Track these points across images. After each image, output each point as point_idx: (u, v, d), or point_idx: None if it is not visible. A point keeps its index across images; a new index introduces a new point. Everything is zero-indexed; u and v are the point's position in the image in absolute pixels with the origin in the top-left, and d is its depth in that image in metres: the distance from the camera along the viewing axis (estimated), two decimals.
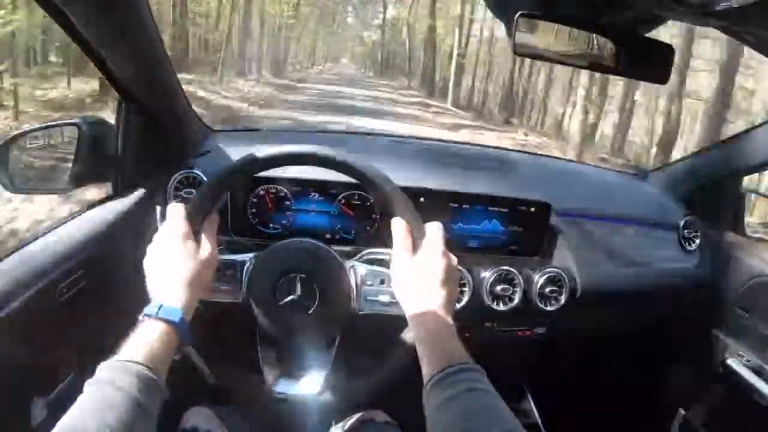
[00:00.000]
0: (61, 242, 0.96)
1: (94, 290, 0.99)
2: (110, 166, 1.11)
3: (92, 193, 1.15)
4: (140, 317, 0.69)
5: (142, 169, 1.14)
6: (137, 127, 1.10)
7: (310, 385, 0.91)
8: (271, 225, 1.15)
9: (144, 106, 1.07)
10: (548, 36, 0.77)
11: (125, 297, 0.88)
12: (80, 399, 0.58)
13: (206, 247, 0.79)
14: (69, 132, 1.10)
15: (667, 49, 0.80)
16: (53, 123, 1.18)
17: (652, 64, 0.81)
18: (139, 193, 1.12)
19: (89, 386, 0.60)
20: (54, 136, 1.18)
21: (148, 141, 1.12)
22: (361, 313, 0.93)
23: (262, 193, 1.13)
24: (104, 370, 0.61)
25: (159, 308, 0.69)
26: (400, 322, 0.80)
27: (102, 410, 0.56)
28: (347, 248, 1.10)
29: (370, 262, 0.99)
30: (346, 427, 1.03)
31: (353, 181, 0.85)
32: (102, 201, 1.10)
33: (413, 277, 0.79)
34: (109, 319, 1.00)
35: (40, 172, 1.19)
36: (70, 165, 1.08)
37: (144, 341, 0.66)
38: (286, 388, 0.91)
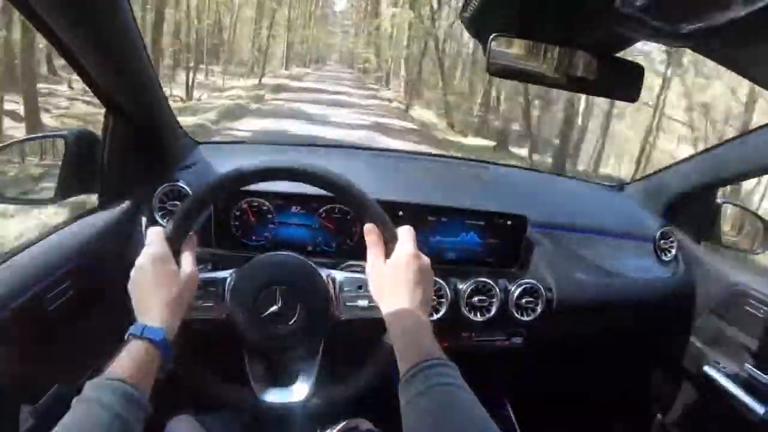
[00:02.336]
0: (48, 253, 0.97)
1: (80, 300, 1.00)
2: (96, 177, 1.13)
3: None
4: (126, 336, 0.72)
5: (128, 181, 1.15)
6: (122, 139, 1.11)
7: (297, 393, 0.93)
8: (254, 237, 1.17)
9: (129, 118, 1.08)
10: (522, 56, 0.79)
11: (111, 307, 0.90)
12: (66, 416, 0.61)
13: (186, 267, 0.81)
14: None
15: (637, 69, 0.83)
16: (40, 135, 1.19)
17: (622, 83, 0.84)
18: (125, 205, 1.13)
19: (76, 404, 0.62)
20: (43, 149, 1.20)
21: (134, 153, 1.14)
22: (341, 319, 0.95)
23: (244, 206, 1.15)
24: (90, 388, 0.64)
25: (143, 329, 0.72)
26: (381, 325, 0.82)
27: (87, 427, 0.59)
28: (328, 260, 1.12)
29: (349, 271, 1.02)
30: None
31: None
32: (88, 212, 1.12)
33: (388, 279, 0.82)
34: (96, 328, 1.01)
35: (27, 183, 1.20)
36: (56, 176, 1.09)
37: (128, 360, 0.68)
38: (273, 397, 0.92)
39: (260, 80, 21.34)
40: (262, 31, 25.35)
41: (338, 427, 1.04)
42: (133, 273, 0.79)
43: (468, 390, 0.68)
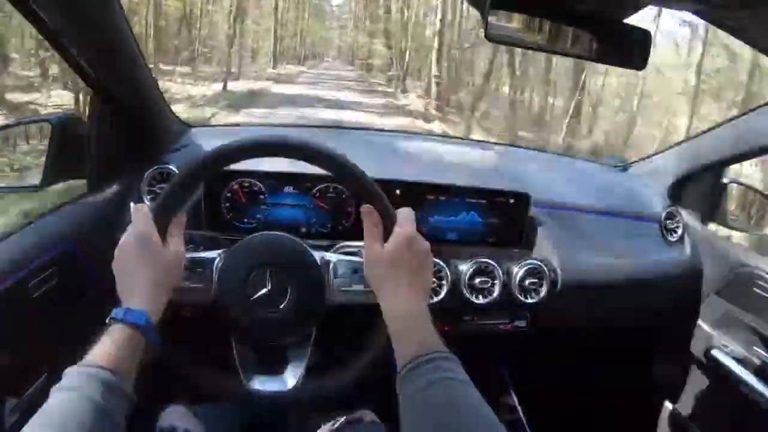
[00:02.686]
0: (33, 239, 0.95)
1: (67, 288, 0.98)
2: (84, 162, 1.10)
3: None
4: (107, 320, 0.68)
5: (116, 166, 1.12)
6: (110, 123, 1.09)
7: (286, 382, 0.90)
8: (246, 220, 1.14)
9: (116, 101, 1.05)
10: (522, 22, 0.76)
11: (99, 295, 0.87)
12: (44, 406, 0.58)
13: (172, 247, 0.78)
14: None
15: (644, 34, 0.80)
16: (25, 120, 1.16)
17: (628, 49, 0.81)
18: (113, 189, 1.11)
19: (54, 392, 0.59)
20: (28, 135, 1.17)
21: (121, 137, 1.11)
22: (335, 304, 0.91)
23: (236, 187, 1.12)
24: (68, 376, 0.61)
25: (125, 312, 0.68)
26: (377, 312, 0.78)
27: (64, 418, 0.56)
28: (324, 242, 1.08)
29: (344, 253, 0.98)
30: (334, 428, 1.01)
31: (328, 173, 0.84)
32: (76, 198, 1.09)
33: (384, 264, 0.78)
34: (83, 317, 0.98)
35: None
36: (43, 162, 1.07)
37: (110, 345, 0.65)
38: (262, 385, 0.88)
39: (225, 86, 14.84)
40: (244, 25, 21.57)
41: (342, 420, 1.02)
42: (116, 252, 0.75)
43: (470, 384, 0.64)
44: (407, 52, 23.11)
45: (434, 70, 16.03)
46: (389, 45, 27.35)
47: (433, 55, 16.13)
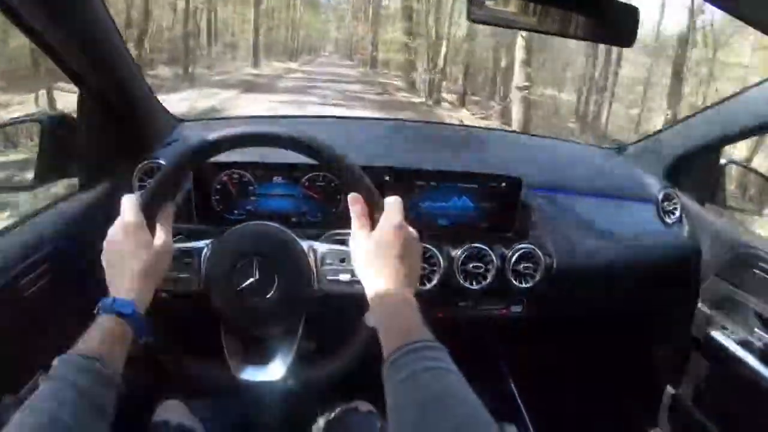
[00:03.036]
0: (25, 237, 0.95)
1: (59, 285, 0.98)
2: (74, 160, 1.10)
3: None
4: (95, 310, 0.69)
5: (107, 163, 1.13)
6: (98, 120, 1.09)
7: (274, 371, 0.90)
8: (236, 211, 1.14)
9: (104, 98, 1.05)
10: (507, 2, 0.75)
11: (92, 291, 0.86)
12: (34, 395, 0.59)
13: (160, 236, 0.78)
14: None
15: (633, 11, 0.79)
16: (14, 120, 1.16)
17: (617, 27, 0.80)
18: (104, 186, 1.11)
19: (43, 382, 0.60)
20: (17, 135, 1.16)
21: (111, 134, 1.11)
22: (322, 293, 0.91)
23: (225, 178, 1.12)
24: (57, 365, 0.61)
25: (112, 302, 0.70)
26: (365, 301, 0.78)
27: (54, 406, 0.57)
28: (314, 231, 1.08)
29: (333, 241, 0.97)
30: (330, 418, 1.02)
31: (316, 162, 0.83)
32: (68, 195, 1.09)
33: (371, 253, 0.77)
34: (76, 314, 0.98)
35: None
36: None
37: (97, 335, 0.66)
38: (250, 375, 0.89)
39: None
40: (212, 14, 17.66)
41: (338, 410, 1.02)
42: (105, 243, 0.76)
43: (457, 372, 0.63)
44: (445, 43, 15.87)
45: (518, 77, 10.17)
46: (411, 32, 19.66)
47: (519, 53, 10.05)
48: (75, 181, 1.13)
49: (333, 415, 1.02)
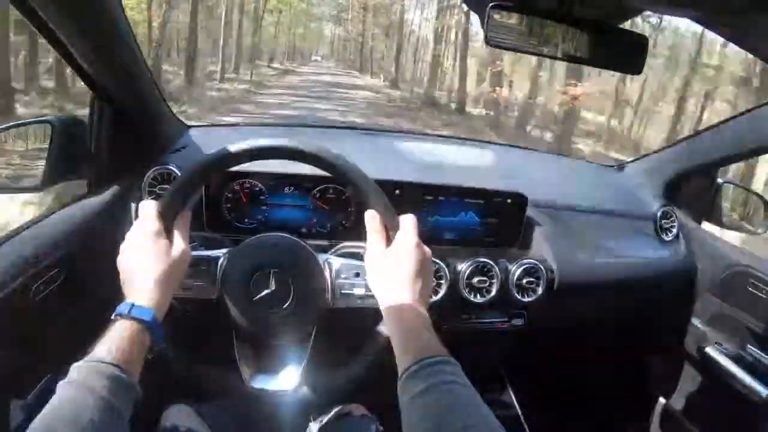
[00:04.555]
0: (36, 241, 0.95)
1: (70, 289, 0.98)
2: (84, 163, 1.10)
3: None
4: (113, 316, 0.69)
5: (117, 167, 1.13)
6: (110, 124, 1.09)
7: (286, 380, 0.91)
8: (246, 220, 1.14)
9: (116, 102, 1.06)
10: (521, 27, 0.77)
11: (102, 295, 0.87)
12: (52, 400, 0.59)
13: (178, 244, 0.79)
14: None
15: (641, 39, 0.81)
16: (25, 121, 1.16)
17: (625, 54, 0.82)
18: (114, 190, 1.11)
19: (61, 387, 0.60)
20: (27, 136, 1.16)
21: (122, 138, 1.11)
22: (336, 307, 0.92)
23: (236, 187, 1.12)
24: (76, 371, 0.61)
25: (131, 307, 0.69)
26: (376, 315, 0.80)
27: (73, 412, 0.57)
28: (323, 242, 1.09)
29: (345, 255, 0.99)
30: (324, 422, 1.03)
31: (328, 174, 0.85)
32: (77, 199, 1.09)
33: (387, 269, 0.79)
34: (87, 317, 0.98)
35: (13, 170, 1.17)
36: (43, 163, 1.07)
37: (115, 341, 0.66)
38: (262, 383, 0.90)
39: None
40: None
41: (332, 414, 1.03)
42: (122, 247, 0.77)
43: (470, 387, 0.65)
44: None
45: None
46: None
47: None
48: (82, 182, 1.14)
49: (327, 419, 1.03)
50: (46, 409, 0.58)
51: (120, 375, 0.62)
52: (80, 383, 0.60)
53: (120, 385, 0.61)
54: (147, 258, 0.75)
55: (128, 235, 0.77)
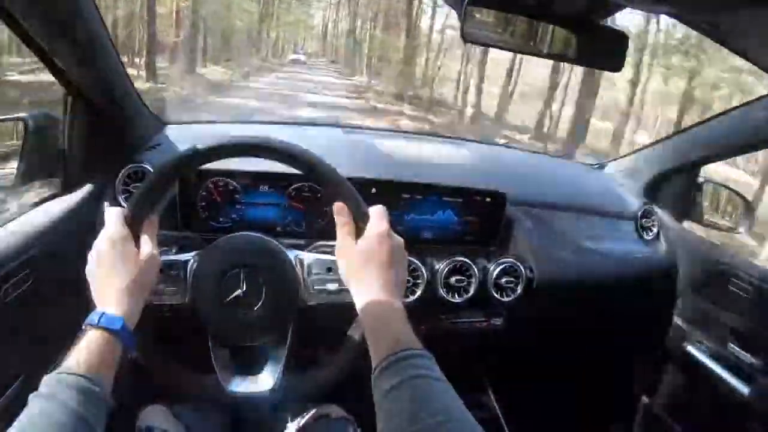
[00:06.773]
0: (6, 241, 0.93)
1: (40, 290, 0.96)
2: (58, 161, 1.08)
3: None
4: (83, 326, 0.68)
5: (91, 165, 1.11)
6: (84, 121, 1.07)
7: (264, 382, 0.89)
8: (221, 219, 1.13)
9: (90, 99, 1.04)
10: (499, 24, 0.76)
11: (74, 296, 0.85)
12: (23, 414, 0.57)
13: (146, 250, 0.77)
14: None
15: (621, 37, 0.81)
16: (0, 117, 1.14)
17: (605, 52, 0.82)
18: (87, 189, 1.09)
19: (32, 400, 0.59)
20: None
21: (96, 136, 1.09)
22: (310, 304, 0.90)
23: (211, 186, 1.11)
24: (46, 383, 0.60)
25: (100, 316, 0.68)
26: (353, 310, 0.78)
27: (43, 426, 0.56)
28: (299, 241, 1.08)
29: (319, 252, 0.97)
30: (301, 424, 1.01)
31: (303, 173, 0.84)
32: (49, 198, 1.07)
33: (358, 261, 0.77)
34: (58, 319, 0.97)
35: None
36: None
37: (86, 352, 0.64)
38: (240, 387, 0.88)
39: None
40: None
41: (309, 415, 1.01)
42: (89, 257, 0.74)
43: (445, 381, 0.64)
44: None
45: None
46: None
47: None
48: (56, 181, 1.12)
49: (304, 421, 1.01)
50: (17, 422, 0.56)
51: (91, 387, 0.60)
52: (51, 396, 0.58)
53: (90, 396, 0.60)
54: (115, 266, 0.73)
55: (95, 244, 0.75)
